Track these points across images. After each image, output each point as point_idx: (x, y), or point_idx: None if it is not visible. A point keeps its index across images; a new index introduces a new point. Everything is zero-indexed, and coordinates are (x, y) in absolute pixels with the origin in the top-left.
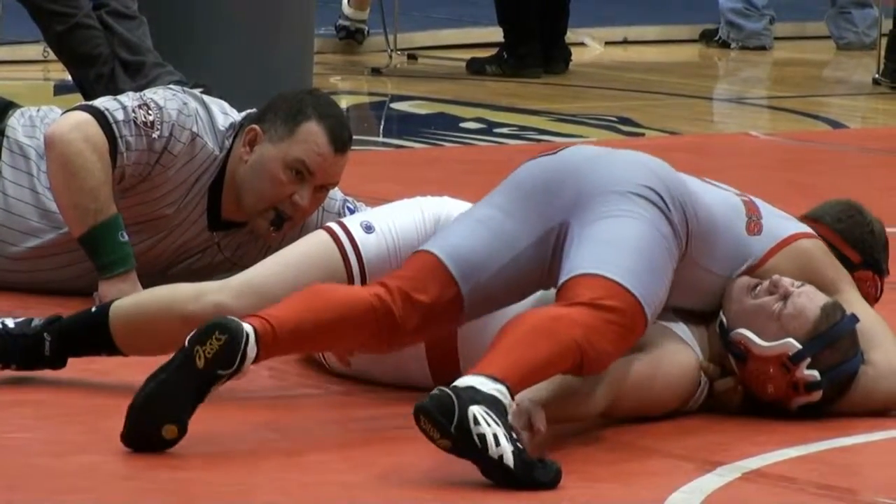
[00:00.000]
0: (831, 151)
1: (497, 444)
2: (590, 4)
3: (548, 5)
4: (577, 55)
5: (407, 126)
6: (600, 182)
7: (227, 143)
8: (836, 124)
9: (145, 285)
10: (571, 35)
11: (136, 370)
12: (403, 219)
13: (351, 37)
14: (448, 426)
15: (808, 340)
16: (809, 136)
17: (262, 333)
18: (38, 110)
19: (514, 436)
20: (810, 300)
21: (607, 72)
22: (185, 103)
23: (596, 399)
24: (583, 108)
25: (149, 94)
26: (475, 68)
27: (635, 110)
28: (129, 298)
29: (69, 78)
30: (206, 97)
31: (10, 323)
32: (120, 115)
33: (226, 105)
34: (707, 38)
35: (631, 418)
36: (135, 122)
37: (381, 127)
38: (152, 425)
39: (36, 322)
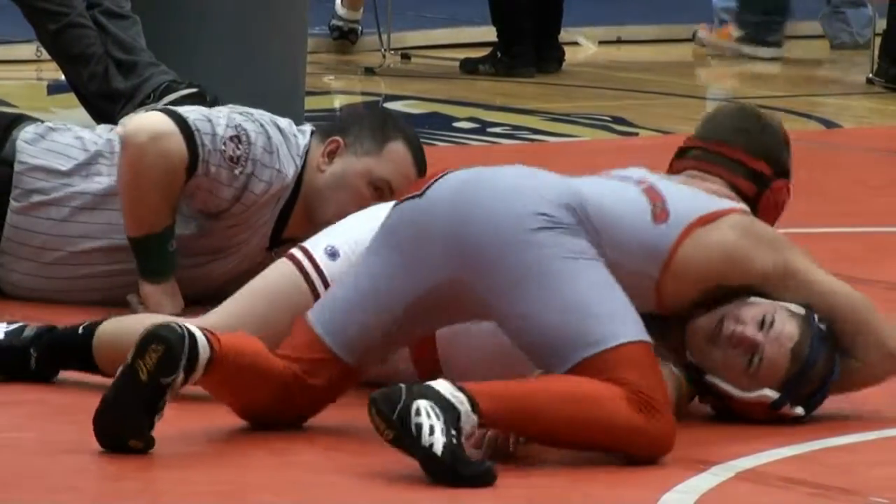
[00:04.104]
0: (825, 151)
1: (431, 433)
2: (583, 4)
3: (541, 4)
4: (570, 54)
5: None
6: (484, 230)
7: (300, 162)
8: (830, 124)
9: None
10: (565, 34)
11: None
12: (366, 236)
13: (344, 37)
14: (391, 415)
15: (784, 385)
16: (803, 135)
17: (209, 335)
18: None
19: (454, 433)
20: (779, 346)
21: (601, 71)
22: (269, 138)
23: None
24: (576, 108)
25: (240, 120)
26: (468, 68)
27: (629, 110)
28: (114, 323)
29: (63, 77)
30: (277, 119)
31: (1, 334)
32: (208, 141)
33: (292, 124)
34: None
35: None
36: (221, 153)
37: None
38: (116, 440)
39: (27, 332)
